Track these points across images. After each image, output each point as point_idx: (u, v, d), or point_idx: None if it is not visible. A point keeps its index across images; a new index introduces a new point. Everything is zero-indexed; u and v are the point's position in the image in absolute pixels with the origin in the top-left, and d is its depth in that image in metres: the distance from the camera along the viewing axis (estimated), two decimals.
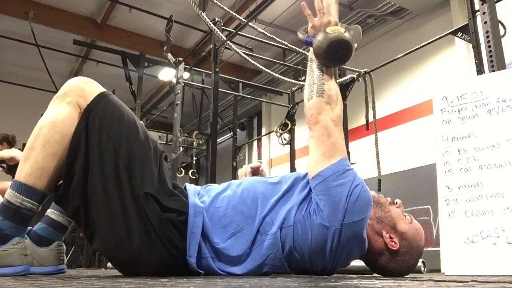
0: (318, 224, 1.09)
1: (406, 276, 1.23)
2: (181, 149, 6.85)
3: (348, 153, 3.78)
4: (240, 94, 5.48)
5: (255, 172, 1.50)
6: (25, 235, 1.14)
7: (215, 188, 1.25)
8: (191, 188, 1.22)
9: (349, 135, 3.75)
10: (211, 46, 3.70)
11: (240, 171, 1.53)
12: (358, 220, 1.09)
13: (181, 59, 4.22)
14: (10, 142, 4.51)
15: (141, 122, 1.23)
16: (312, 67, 1.20)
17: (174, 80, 4.32)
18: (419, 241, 1.24)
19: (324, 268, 1.15)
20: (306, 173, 1.20)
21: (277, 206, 1.16)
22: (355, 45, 1.15)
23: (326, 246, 1.10)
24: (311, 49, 1.19)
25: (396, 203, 1.28)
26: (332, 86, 1.18)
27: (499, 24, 2.23)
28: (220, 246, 1.12)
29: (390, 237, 1.20)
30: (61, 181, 1.13)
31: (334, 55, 1.14)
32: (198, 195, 1.20)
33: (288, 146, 4.51)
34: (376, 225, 1.21)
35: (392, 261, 1.21)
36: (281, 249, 1.12)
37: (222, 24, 3.76)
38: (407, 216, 1.26)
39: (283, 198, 1.18)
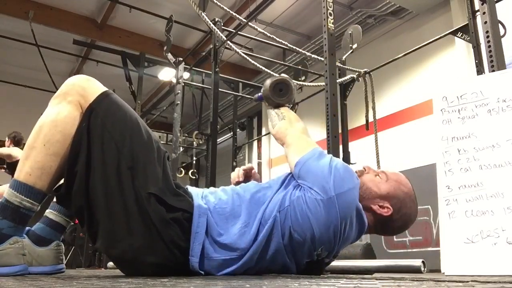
0: (314, 199, 1.10)
1: (406, 276, 1.22)
2: (181, 149, 6.85)
3: (348, 153, 3.79)
4: (240, 94, 5.48)
5: (248, 174, 1.46)
6: (24, 235, 1.14)
7: (218, 192, 1.26)
8: (193, 190, 1.23)
9: (349, 135, 3.75)
10: (211, 46, 3.70)
11: (233, 175, 1.48)
12: (349, 189, 1.12)
13: (181, 59, 4.22)
14: (16, 142, 4.57)
15: (143, 121, 1.23)
16: (270, 112, 1.37)
17: (174, 80, 4.32)
18: (404, 188, 1.26)
19: (330, 247, 1.14)
20: None
21: (274, 197, 1.18)
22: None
23: (327, 219, 1.09)
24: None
25: (365, 170, 1.29)
26: (291, 114, 1.34)
27: (499, 24, 2.23)
28: (228, 241, 1.12)
29: (380, 206, 1.20)
30: (62, 181, 1.13)
31: (279, 93, 1.38)
32: (202, 197, 1.20)
33: None
34: (361, 203, 1.19)
35: (395, 221, 1.23)
36: (281, 234, 1.12)
37: (222, 24, 3.76)
38: (380, 175, 1.27)
39: (279, 190, 1.20)
